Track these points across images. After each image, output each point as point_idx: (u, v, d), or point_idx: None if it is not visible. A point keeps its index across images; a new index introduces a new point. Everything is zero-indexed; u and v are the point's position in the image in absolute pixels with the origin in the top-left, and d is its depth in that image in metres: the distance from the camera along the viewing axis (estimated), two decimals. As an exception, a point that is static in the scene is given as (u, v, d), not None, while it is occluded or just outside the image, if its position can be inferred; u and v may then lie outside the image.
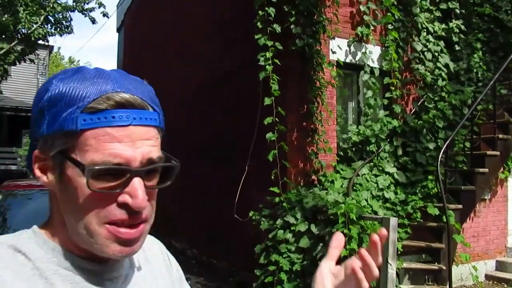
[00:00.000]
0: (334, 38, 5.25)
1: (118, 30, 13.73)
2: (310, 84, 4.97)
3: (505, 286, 6.48)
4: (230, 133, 6.15)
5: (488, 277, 6.85)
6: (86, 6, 10.92)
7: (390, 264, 3.53)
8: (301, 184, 5.10)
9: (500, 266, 6.94)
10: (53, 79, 0.62)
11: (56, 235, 0.63)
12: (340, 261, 0.75)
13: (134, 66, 11.69)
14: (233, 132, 6.06)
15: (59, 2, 10.33)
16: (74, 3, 10.80)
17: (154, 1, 10.12)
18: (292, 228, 4.36)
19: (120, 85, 0.59)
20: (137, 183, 0.59)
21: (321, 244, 4.07)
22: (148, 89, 0.64)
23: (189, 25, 7.94)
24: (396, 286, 3.72)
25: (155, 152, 0.61)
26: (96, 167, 0.56)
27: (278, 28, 4.71)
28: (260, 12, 4.72)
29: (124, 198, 0.59)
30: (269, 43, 4.68)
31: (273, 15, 4.71)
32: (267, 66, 4.63)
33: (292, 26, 4.80)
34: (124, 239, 0.60)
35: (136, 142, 0.59)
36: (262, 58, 4.67)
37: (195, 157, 7.06)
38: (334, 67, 5.23)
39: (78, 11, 10.81)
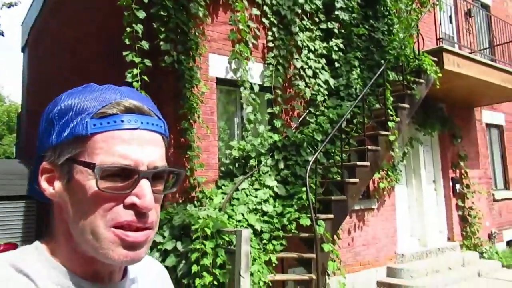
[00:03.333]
0: (201, 55, 5.28)
1: (23, 49, 13.05)
2: (183, 101, 4.96)
3: (394, 291, 6.79)
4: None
5: (379, 283, 7.15)
6: None
7: (243, 277, 3.53)
8: (180, 201, 5.03)
9: (391, 272, 7.29)
10: (62, 94, 0.65)
11: (58, 251, 0.63)
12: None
13: (37, 86, 11.13)
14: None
15: None
16: None
17: (55, 20, 9.76)
18: (159, 247, 4.26)
19: (128, 94, 0.64)
20: (145, 184, 0.61)
21: (183, 261, 4.01)
22: (152, 102, 0.68)
23: (84, 43, 7.71)
24: (252, 298, 3.72)
25: (160, 158, 0.63)
26: (105, 166, 0.58)
27: (146, 45, 4.68)
28: (127, 29, 4.67)
29: (131, 199, 0.60)
30: (137, 59, 4.63)
31: (141, 32, 4.68)
32: (135, 83, 4.57)
33: (161, 43, 4.80)
34: (130, 243, 0.60)
35: (144, 146, 0.61)
36: (129, 75, 4.60)
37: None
38: (205, 83, 5.26)
39: None
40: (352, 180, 5.29)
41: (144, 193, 0.60)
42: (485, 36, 9.94)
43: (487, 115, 10.19)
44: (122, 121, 0.61)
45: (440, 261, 7.58)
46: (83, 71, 7.68)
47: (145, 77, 4.61)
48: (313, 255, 4.72)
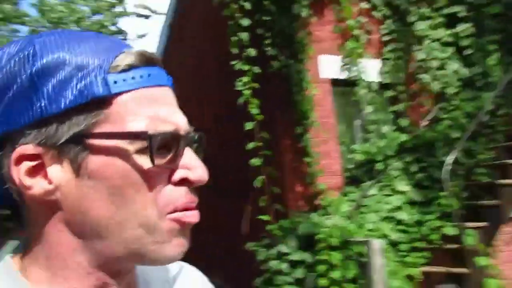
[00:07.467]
0: (309, 57, 4.95)
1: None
2: (295, 106, 4.70)
3: None
4: (234, 168, 5.89)
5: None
6: None
7: (381, 291, 2.99)
8: (304, 210, 4.69)
9: None
10: (33, 42, 0.43)
11: (34, 269, 0.46)
12: None
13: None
14: (236, 167, 5.80)
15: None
16: None
17: (177, 50, 10.38)
18: (285, 258, 3.94)
19: (118, 41, 0.47)
20: (191, 153, 0.46)
21: (312, 273, 3.60)
22: None
23: (203, 67, 7.94)
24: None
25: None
26: (162, 133, 0.42)
27: (252, 52, 4.56)
28: (233, 38, 4.62)
29: (182, 173, 0.44)
30: (245, 67, 4.53)
31: (247, 40, 4.59)
32: (245, 91, 4.45)
33: (268, 49, 4.64)
34: (190, 224, 0.46)
35: (173, 106, 0.46)
36: (240, 83, 4.51)
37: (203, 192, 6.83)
38: (316, 86, 4.91)
39: None
40: (506, 181, 4.36)
41: (196, 163, 0.44)
42: None
43: None
44: (149, 75, 0.44)
45: None
46: (201, 91, 7.87)
47: (255, 84, 4.47)
48: (465, 270, 3.92)
